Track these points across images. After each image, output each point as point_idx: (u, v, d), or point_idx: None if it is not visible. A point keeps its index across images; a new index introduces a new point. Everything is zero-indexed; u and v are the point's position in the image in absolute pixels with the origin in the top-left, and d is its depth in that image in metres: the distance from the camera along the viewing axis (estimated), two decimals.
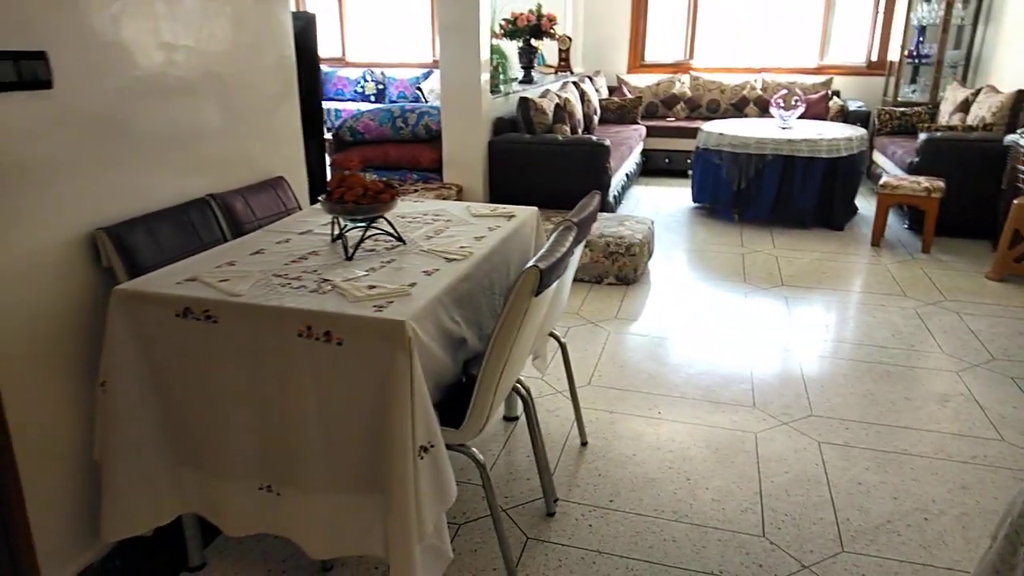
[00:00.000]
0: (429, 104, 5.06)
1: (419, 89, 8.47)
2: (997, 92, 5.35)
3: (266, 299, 1.60)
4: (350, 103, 8.73)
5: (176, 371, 1.67)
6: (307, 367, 1.56)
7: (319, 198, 1.98)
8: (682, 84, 7.57)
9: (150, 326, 1.65)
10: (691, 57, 7.88)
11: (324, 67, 9.03)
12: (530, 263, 1.65)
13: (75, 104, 1.73)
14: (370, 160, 4.92)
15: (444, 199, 4.61)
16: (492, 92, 5.05)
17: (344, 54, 9.36)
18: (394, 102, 8.72)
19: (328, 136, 5.90)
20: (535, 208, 2.53)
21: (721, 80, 7.49)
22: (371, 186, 1.99)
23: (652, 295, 4.07)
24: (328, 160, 5.10)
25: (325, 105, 8.46)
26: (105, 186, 1.84)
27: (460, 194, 4.83)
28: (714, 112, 7.42)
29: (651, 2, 7.85)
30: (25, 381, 1.65)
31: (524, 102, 5.09)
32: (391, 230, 2.08)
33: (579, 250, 2.13)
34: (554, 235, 1.87)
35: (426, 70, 8.74)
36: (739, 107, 7.35)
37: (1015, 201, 4.12)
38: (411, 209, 2.46)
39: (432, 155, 4.91)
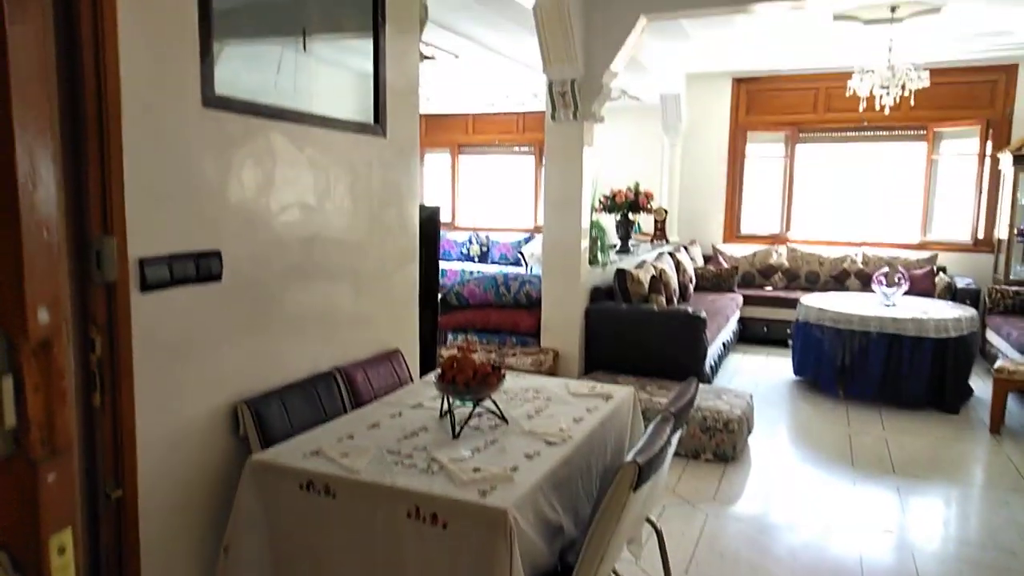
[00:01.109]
0: (531, 273, 5.37)
1: (520, 253, 8.95)
2: None
3: (380, 477, 1.73)
4: (456, 263, 9.31)
5: (294, 541, 1.79)
6: (413, 547, 1.64)
7: (433, 378, 2.15)
8: (779, 255, 7.66)
9: (276, 496, 1.80)
10: (788, 230, 8.01)
11: None
12: (629, 457, 1.71)
13: (236, 291, 2.02)
14: (473, 323, 5.20)
15: (541, 364, 4.76)
16: (590, 263, 5.31)
17: (454, 219, 10.11)
18: (495, 262, 9.24)
19: None
20: (631, 389, 2.61)
21: (819, 253, 7.53)
22: (480, 368, 2.15)
23: (753, 475, 3.94)
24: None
25: None
26: (251, 361, 2.08)
27: (556, 359, 4.97)
28: (813, 283, 7.40)
29: (746, 177, 8.17)
30: (162, 537, 1.81)
31: (621, 273, 5.31)
32: (495, 409, 2.21)
33: (676, 439, 2.17)
34: (652, 426, 1.94)
35: (527, 235, 9.27)
36: (839, 280, 7.31)
37: None
38: (513, 384, 2.59)
39: (531, 320, 5.13)
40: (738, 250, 7.88)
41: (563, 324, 5.07)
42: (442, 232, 9.66)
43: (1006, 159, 6.57)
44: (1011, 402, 4.99)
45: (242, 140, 2.02)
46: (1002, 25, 5.79)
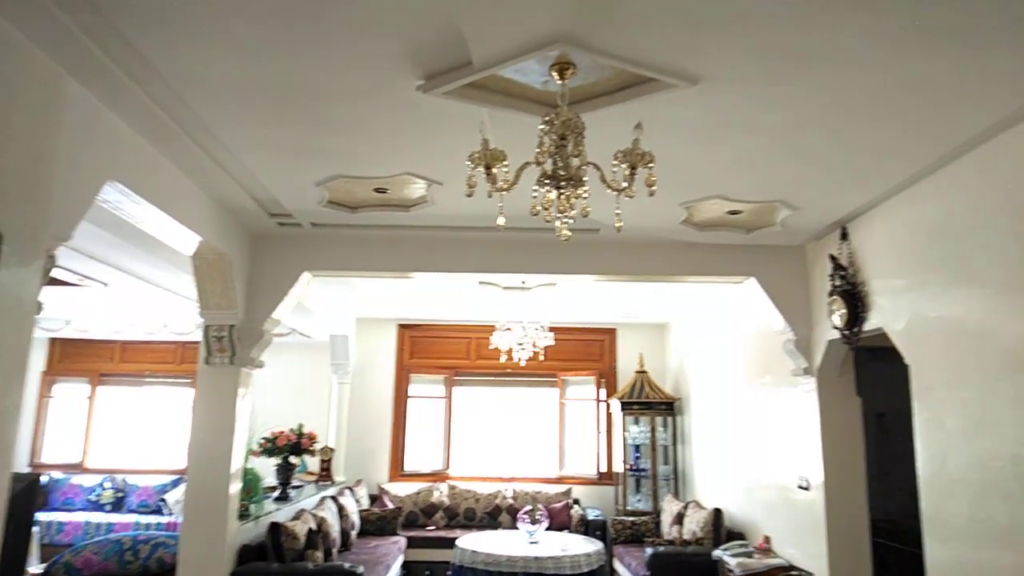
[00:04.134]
0: (168, 533, 4.73)
1: (163, 499, 7.90)
2: (701, 508, 6.26)
3: None
4: (80, 513, 7.83)
5: None
6: None
7: None
8: (441, 493, 7.90)
9: None
10: (448, 467, 8.40)
11: (57, 474, 8.23)
12: None
13: None
14: None
15: None
16: (241, 518, 4.88)
17: (84, 459, 8.67)
18: (133, 511, 7.99)
19: (38, 572, 5.12)
20: None
21: (476, 489, 7.95)
22: None
23: None
24: None
25: (48, 517, 7.50)
26: None
27: None
28: (471, 520, 7.70)
29: (410, 415, 8.54)
30: None
31: (275, 528, 4.95)
32: None
33: None
34: None
35: (175, 477, 8.27)
36: (493, 515, 7.72)
37: None
38: None
39: None
40: (403, 488, 7.97)
41: None
42: (66, 476, 8.21)
43: (615, 404, 7.91)
44: None
45: None
46: (601, 300, 7.30)
